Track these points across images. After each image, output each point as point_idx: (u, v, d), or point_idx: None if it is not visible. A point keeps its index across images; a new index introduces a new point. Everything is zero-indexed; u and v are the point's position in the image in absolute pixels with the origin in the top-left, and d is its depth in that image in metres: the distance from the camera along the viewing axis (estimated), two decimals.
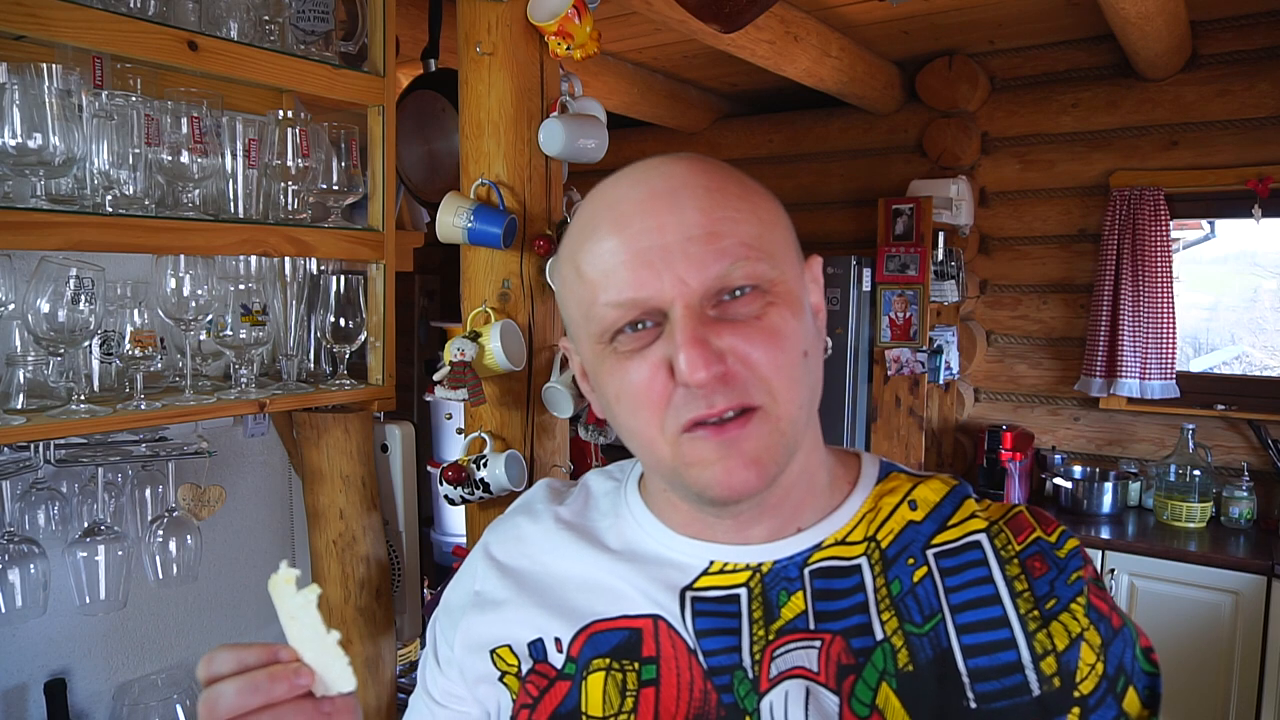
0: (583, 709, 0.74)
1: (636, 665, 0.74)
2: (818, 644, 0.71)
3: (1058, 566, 0.71)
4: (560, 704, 0.76)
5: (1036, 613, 0.69)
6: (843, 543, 0.75)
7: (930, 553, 0.74)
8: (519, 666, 0.79)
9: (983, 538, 0.74)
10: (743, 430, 0.67)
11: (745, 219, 0.69)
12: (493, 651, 0.80)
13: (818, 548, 0.75)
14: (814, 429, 0.77)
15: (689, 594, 0.75)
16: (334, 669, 0.61)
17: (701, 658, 0.72)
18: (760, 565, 0.75)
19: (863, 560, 0.74)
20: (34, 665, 1.48)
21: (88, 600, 1.41)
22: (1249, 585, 2.72)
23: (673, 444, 0.69)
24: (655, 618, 0.75)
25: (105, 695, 1.56)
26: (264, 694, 0.60)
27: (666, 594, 0.75)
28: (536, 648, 0.79)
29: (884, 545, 0.75)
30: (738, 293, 0.68)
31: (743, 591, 0.74)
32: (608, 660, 0.75)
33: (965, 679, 0.68)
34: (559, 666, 0.77)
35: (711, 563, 0.76)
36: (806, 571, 0.74)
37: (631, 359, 0.69)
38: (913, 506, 0.77)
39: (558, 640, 0.78)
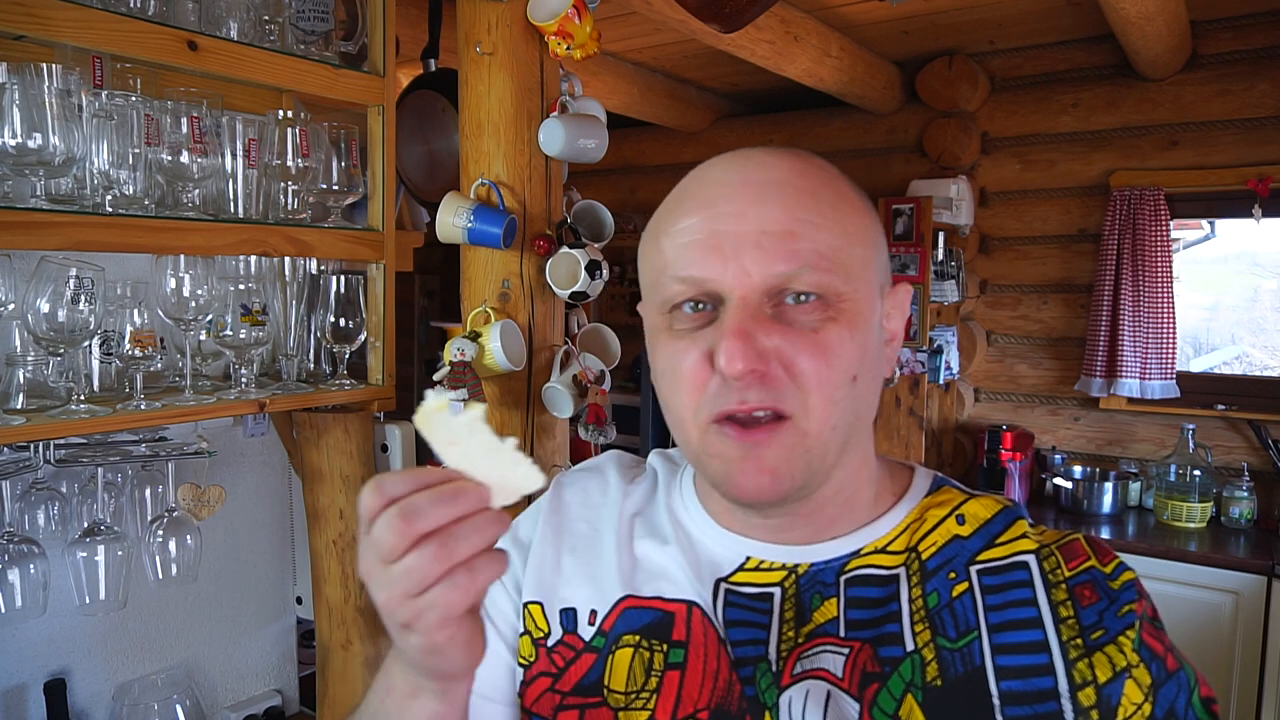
0: (606, 683, 0.75)
1: (665, 647, 0.74)
2: (846, 651, 0.70)
3: (1109, 597, 0.69)
4: (584, 676, 0.76)
5: (1080, 641, 0.67)
6: (882, 551, 0.74)
7: (974, 569, 0.71)
8: (547, 634, 0.79)
9: (1031, 559, 0.71)
10: (768, 437, 0.67)
11: (829, 227, 0.68)
12: (527, 604, 0.81)
13: (856, 555, 0.74)
14: (860, 450, 0.75)
15: (724, 585, 0.75)
16: (520, 472, 0.59)
17: (730, 649, 0.72)
18: (797, 566, 0.74)
19: (901, 570, 0.73)
20: (34, 665, 1.48)
21: (88, 600, 1.41)
22: (1249, 585, 2.72)
23: (702, 431, 0.69)
24: (690, 604, 0.75)
25: (105, 695, 1.56)
26: (460, 506, 0.57)
27: (704, 583, 0.76)
28: (568, 617, 0.79)
29: (925, 557, 0.73)
30: (801, 298, 0.67)
31: (777, 591, 0.74)
32: (638, 637, 0.75)
33: (995, 700, 0.66)
34: (587, 639, 0.77)
35: (748, 558, 0.76)
36: (843, 579, 0.73)
37: (682, 338, 0.69)
38: (960, 521, 0.75)
39: (593, 612, 0.78)
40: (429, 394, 0.59)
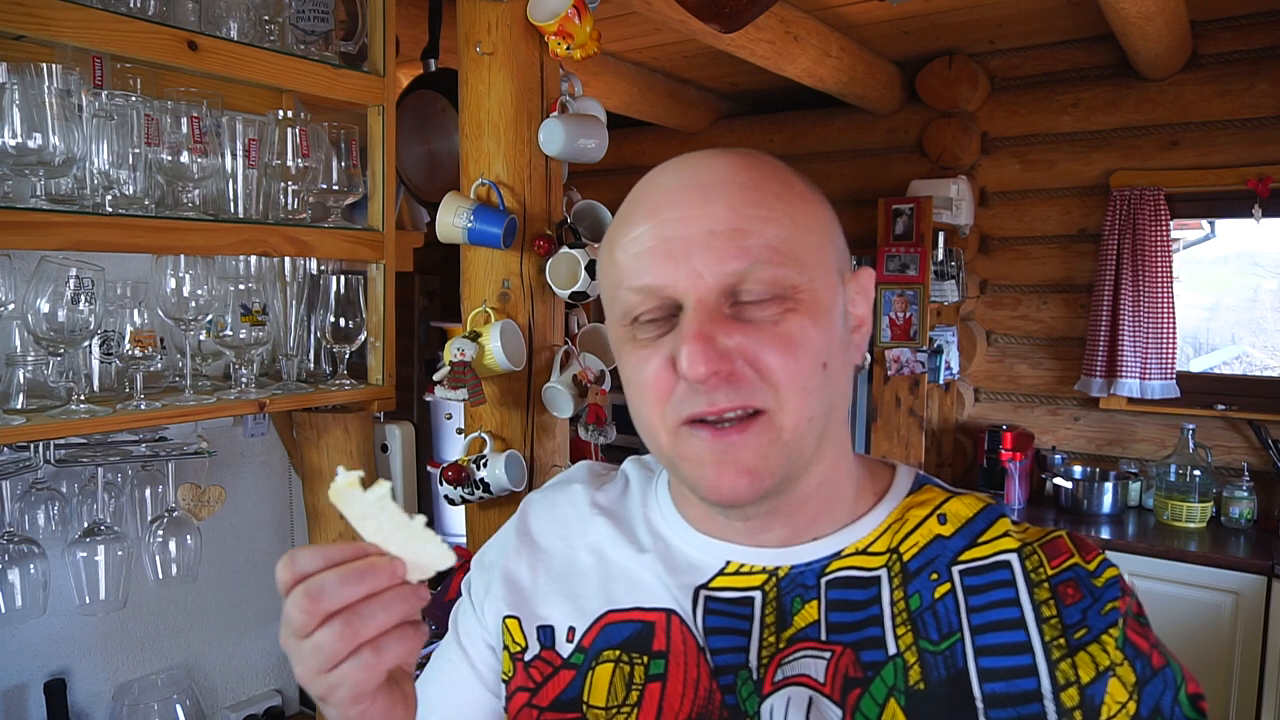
0: (585, 699, 0.74)
1: (645, 659, 0.74)
2: (827, 655, 0.69)
3: (1092, 595, 0.68)
4: (562, 692, 0.76)
5: (1063, 641, 0.66)
6: (864, 553, 0.73)
7: (956, 569, 0.71)
8: (524, 648, 0.79)
9: (1013, 558, 0.70)
10: (741, 436, 0.66)
11: (777, 220, 0.67)
12: (505, 619, 0.81)
13: (837, 556, 0.73)
14: (837, 442, 0.74)
15: (703, 593, 0.74)
16: (428, 549, 0.60)
17: (710, 657, 0.72)
18: (777, 569, 0.74)
19: (883, 572, 0.72)
20: (34, 665, 1.48)
21: (88, 600, 1.41)
22: (1249, 585, 2.72)
23: (672, 434, 0.68)
24: (669, 612, 0.74)
25: (105, 695, 1.56)
26: (368, 584, 0.58)
27: (682, 590, 0.75)
28: (545, 634, 0.79)
29: (906, 558, 0.72)
30: (758, 294, 0.67)
31: (757, 595, 0.73)
32: (618, 652, 0.75)
33: (979, 703, 0.65)
34: (565, 656, 0.77)
35: (728, 563, 0.75)
36: (824, 581, 0.72)
37: (645, 347, 0.69)
38: (942, 520, 0.74)
39: (571, 629, 0.78)
40: (340, 470, 0.60)
